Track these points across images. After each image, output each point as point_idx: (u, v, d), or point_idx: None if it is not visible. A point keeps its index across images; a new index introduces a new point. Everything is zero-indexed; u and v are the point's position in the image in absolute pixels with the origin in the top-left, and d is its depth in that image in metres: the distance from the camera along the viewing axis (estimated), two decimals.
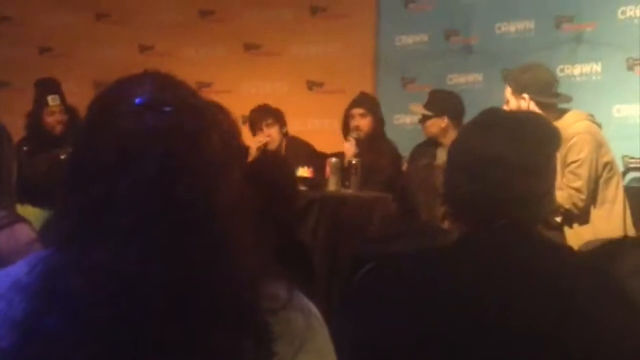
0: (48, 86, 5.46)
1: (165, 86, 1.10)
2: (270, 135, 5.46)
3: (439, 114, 4.94)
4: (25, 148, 4.90)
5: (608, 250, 3.10)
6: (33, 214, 2.53)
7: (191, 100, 1.10)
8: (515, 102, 4.06)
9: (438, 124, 4.96)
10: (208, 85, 6.33)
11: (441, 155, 4.76)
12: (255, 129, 5.49)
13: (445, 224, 4.02)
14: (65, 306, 1.00)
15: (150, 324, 0.98)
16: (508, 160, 1.66)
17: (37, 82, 5.50)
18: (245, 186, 1.11)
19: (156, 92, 1.07)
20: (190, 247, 1.01)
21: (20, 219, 2.26)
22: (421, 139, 5.32)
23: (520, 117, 1.80)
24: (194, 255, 1.01)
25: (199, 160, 1.04)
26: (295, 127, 5.89)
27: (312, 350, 1.09)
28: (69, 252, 1.04)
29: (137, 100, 1.06)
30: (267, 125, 5.47)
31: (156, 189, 1.01)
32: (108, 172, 1.02)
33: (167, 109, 1.06)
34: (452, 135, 4.60)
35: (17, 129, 4.99)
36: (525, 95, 4.04)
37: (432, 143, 5.05)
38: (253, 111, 5.57)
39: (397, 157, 5.44)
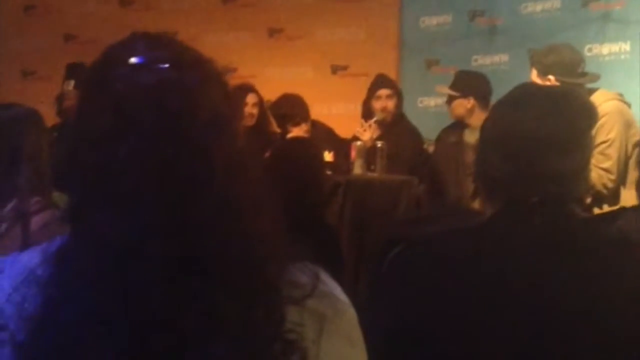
0: (67, 71, 5.47)
1: (158, 44, 1.07)
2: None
3: (465, 94, 4.91)
4: (55, 134, 4.93)
5: (608, 215, 3.10)
6: (63, 200, 2.53)
7: (187, 56, 1.07)
8: (542, 83, 4.02)
9: (464, 105, 4.92)
10: (232, 71, 6.33)
11: (468, 136, 4.74)
12: (282, 126, 5.45)
13: (475, 204, 4.00)
14: (74, 294, 0.98)
15: (155, 299, 0.96)
16: (542, 137, 1.63)
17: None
18: (250, 144, 1.09)
19: (150, 50, 1.05)
20: (191, 209, 0.98)
21: (53, 205, 2.27)
22: (445, 121, 5.30)
23: (554, 93, 1.77)
24: (196, 219, 0.98)
25: (197, 119, 1.02)
26: (319, 112, 5.88)
27: (340, 337, 1.07)
28: (77, 230, 1.03)
29: (131, 60, 1.04)
30: (295, 125, 5.43)
31: (155, 150, 0.99)
32: (106, 138, 1.00)
33: (163, 65, 1.03)
34: (478, 116, 4.57)
35: (45, 117, 5.01)
36: (551, 77, 4.01)
37: (458, 125, 5.02)
38: (278, 108, 5.51)
39: (420, 139, 5.41)
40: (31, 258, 1.07)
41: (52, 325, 0.98)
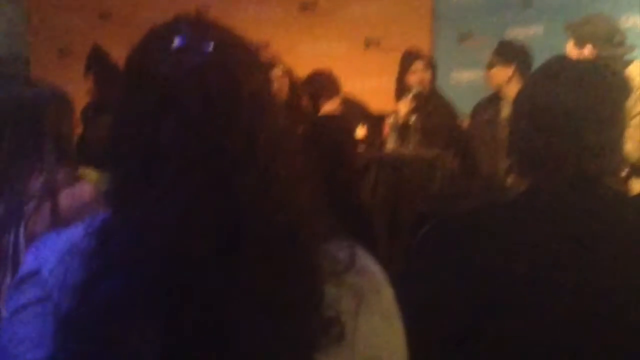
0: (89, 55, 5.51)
1: (202, 26, 1.08)
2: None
3: (506, 61, 4.86)
4: (89, 113, 4.97)
5: None
6: (96, 177, 2.57)
7: (230, 38, 1.08)
8: (578, 55, 3.98)
9: (504, 73, 4.88)
10: (265, 47, 6.31)
11: (504, 109, 4.70)
12: (314, 103, 5.44)
13: (509, 180, 3.98)
14: (118, 268, 1.00)
15: (197, 275, 0.97)
16: (576, 110, 1.61)
17: None
18: (291, 126, 1.09)
19: (194, 33, 1.05)
20: (234, 189, 0.99)
21: (81, 179, 2.30)
22: (478, 95, 5.25)
23: (589, 65, 1.75)
24: (239, 198, 0.99)
25: (241, 99, 1.02)
26: (352, 87, 5.85)
27: (376, 312, 1.08)
28: (120, 209, 1.04)
29: (175, 43, 1.04)
30: (326, 101, 5.41)
31: (198, 131, 1.00)
32: (150, 120, 1.01)
33: (207, 48, 1.04)
34: (515, 87, 4.53)
35: (80, 96, 5.05)
36: (588, 48, 3.96)
37: (493, 99, 4.98)
38: (308, 85, 5.49)
39: (454, 114, 5.37)
40: (75, 232, 1.09)
41: (94, 297, 1.00)
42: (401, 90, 5.31)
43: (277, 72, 5.27)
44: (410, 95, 5.18)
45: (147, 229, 0.99)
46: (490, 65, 4.98)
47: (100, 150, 1.15)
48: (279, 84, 5.24)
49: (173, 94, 1.01)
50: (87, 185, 2.28)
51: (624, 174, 3.84)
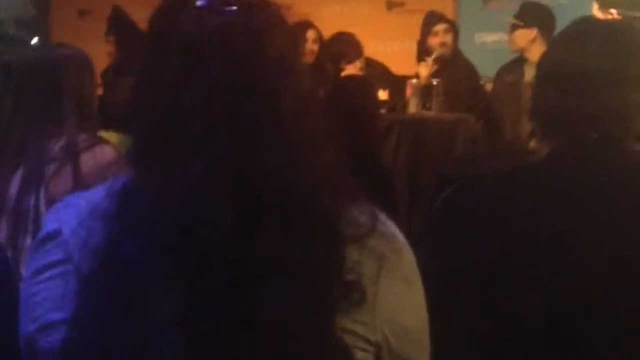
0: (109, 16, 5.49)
1: None
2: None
3: (528, 24, 4.81)
4: (110, 76, 4.97)
5: None
6: (117, 139, 2.57)
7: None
8: (603, 18, 3.93)
9: (527, 35, 4.82)
10: (287, 8, 6.27)
11: (528, 72, 4.66)
12: (335, 64, 5.40)
13: (532, 144, 3.94)
14: (139, 229, 0.99)
15: (217, 238, 0.97)
16: (600, 72, 1.59)
17: None
18: (315, 89, 1.09)
19: None
20: (257, 151, 0.99)
21: (102, 141, 2.30)
22: (502, 57, 5.20)
23: (613, 26, 1.72)
24: (261, 160, 0.99)
25: (265, 60, 1.01)
26: (374, 49, 5.82)
27: (397, 277, 1.08)
28: (141, 172, 1.04)
29: (198, 3, 1.03)
30: (348, 63, 5.37)
31: (221, 92, 0.99)
32: (173, 81, 1.01)
33: (230, 8, 1.03)
34: (539, 49, 4.48)
35: (102, 58, 5.05)
36: (613, 11, 3.92)
37: (518, 63, 4.94)
38: (331, 46, 5.45)
39: (476, 76, 5.33)
40: (96, 194, 1.08)
41: (116, 259, 1.00)
42: (423, 52, 5.26)
43: (311, 34, 5.25)
44: (431, 58, 5.14)
45: (168, 192, 0.99)
46: (513, 28, 4.93)
47: (121, 112, 1.15)
48: (309, 48, 5.22)
49: (196, 55, 1.00)
50: (109, 148, 2.28)
51: None
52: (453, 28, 5.30)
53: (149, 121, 1.03)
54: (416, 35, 5.46)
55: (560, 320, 1.52)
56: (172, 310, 0.96)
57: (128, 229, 1.00)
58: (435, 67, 5.14)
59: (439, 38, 5.19)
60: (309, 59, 5.09)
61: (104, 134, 2.60)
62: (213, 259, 0.97)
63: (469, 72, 5.29)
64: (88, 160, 2.21)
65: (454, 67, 5.18)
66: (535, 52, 4.54)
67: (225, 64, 1.00)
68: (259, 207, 0.98)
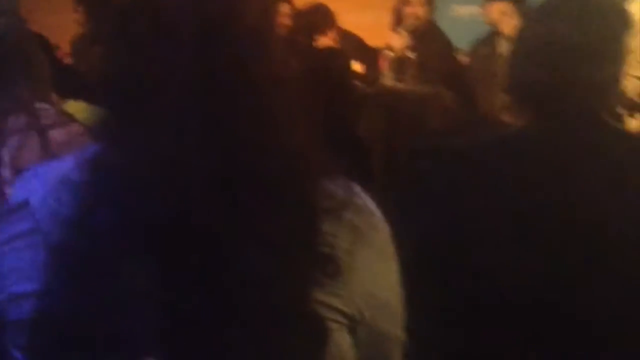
0: None
1: None
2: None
3: None
4: (80, 45, 4.90)
5: None
6: (86, 109, 2.54)
7: None
8: None
9: (500, 8, 4.83)
10: None
11: (502, 45, 4.67)
12: (309, 36, 5.37)
13: (506, 117, 3.96)
14: (111, 199, 0.98)
15: (191, 208, 0.96)
16: (575, 45, 1.60)
17: None
18: (289, 59, 1.07)
19: None
20: (230, 123, 0.98)
21: (72, 120, 2.27)
22: (478, 30, 5.20)
23: (588, 0, 1.72)
24: (234, 130, 0.98)
25: (239, 28, 1.00)
26: (348, 21, 5.78)
27: (373, 250, 1.08)
28: (112, 141, 1.02)
29: None
30: (321, 34, 5.34)
31: (194, 60, 0.98)
32: (144, 48, 0.99)
33: None
34: (513, 22, 4.49)
35: (72, 27, 4.99)
36: None
37: (492, 36, 4.94)
38: (303, 17, 5.42)
39: (451, 48, 5.32)
40: (65, 163, 1.07)
41: (87, 229, 0.99)
42: (397, 23, 5.25)
43: (285, 8, 5.21)
44: (405, 29, 5.12)
45: (140, 160, 0.98)
46: (487, 1, 4.93)
47: (91, 82, 1.13)
48: (282, 22, 5.18)
49: (168, 22, 0.99)
50: (76, 123, 2.25)
51: (622, 110, 3.83)
52: (427, 0, 5.28)
53: (120, 89, 1.02)
54: (389, 5, 5.43)
55: (539, 294, 1.53)
56: (145, 280, 0.96)
57: (99, 199, 0.99)
58: (410, 39, 5.12)
59: (414, 9, 5.17)
60: (282, 32, 5.06)
61: (73, 103, 2.56)
62: (186, 230, 0.96)
63: (444, 44, 5.28)
64: (55, 134, 2.18)
65: (428, 40, 5.17)
66: (510, 25, 4.55)
67: (199, 30, 0.98)
68: (233, 178, 0.97)
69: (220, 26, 0.99)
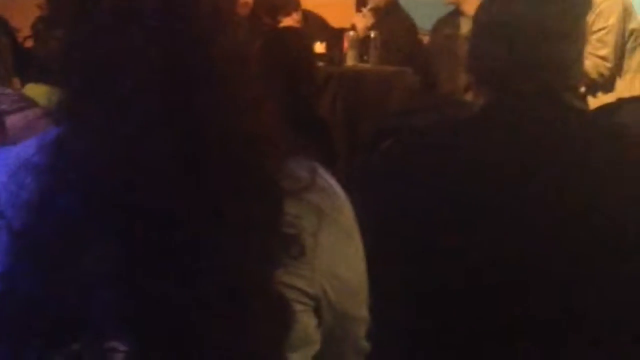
0: None
1: None
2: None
3: None
4: (41, 27, 4.84)
5: (607, 108, 3.12)
6: (46, 92, 2.51)
7: None
8: None
9: None
10: None
11: (464, 25, 4.68)
12: (273, 17, 5.34)
13: (468, 96, 3.97)
14: (74, 182, 0.97)
15: (154, 190, 0.95)
16: (536, 24, 1.60)
17: None
18: (252, 41, 1.07)
19: None
20: (193, 104, 0.97)
21: (32, 105, 2.25)
22: (440, 11, 5.20)
23: None
24: (196, 112, 0.97)
25: (200, 9, 0.99)
26: (311, 1, 5.76)
27: (337, 231, 1.08)
28: (75, 123, 1.02)
29: None
30: (285, 15, 5.31)
31: (156, 42, 0.97)
32: (106, 31, 0.98)
33: None
34: (474, 2, 4.48)
35: (33, 10, 4.93)
36: None
37: (454, 15, 4.95)
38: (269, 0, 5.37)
39: (414, 28, 5.33)
40: (26, 148, 1.06)
41: (50, 213, 0.98)
42: (361, 3, 5.24)
43: None
44: (367, 9, 5.12)
45: (103, 143, 0.97)
46: None
47: (51, 64, 1.11)
48: (244, 1, 5.14)
49: (127, 9, 0.98)
50: (36, 108, 2.22)
51: (583, 89, 3.86)
52: None
53: (82, 72, 1.01)
54: None
55: (494, 270, 1.54)
56: (109, 264, 0.95)
57: (62, 182, 0.98)
58: (373, 19, 5.12)
59: None
60: (244, 11, 5.03)
61: (33, 86, 2.53)
62: (149, 212, 0.96)
63: (407, 24, 5.29)
64: (14, 119, 2.15)
65: (391, 20, 5.17)
66: (471, 5, 4.55)
67: (161, 13, 0.98)
68: (196, 159, 0.97)
69: (182, 7, 0.98)
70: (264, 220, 1.00)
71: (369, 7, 5.13)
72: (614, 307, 1.52)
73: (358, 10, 5.23)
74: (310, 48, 3.75)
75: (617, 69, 3.91)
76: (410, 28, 5.29)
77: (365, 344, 1.20)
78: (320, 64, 4.66)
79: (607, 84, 3.91)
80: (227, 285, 0.97)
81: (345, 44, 5.01)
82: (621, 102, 3.46)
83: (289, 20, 5.26)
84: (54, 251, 0.97)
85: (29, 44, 4.75)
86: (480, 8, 1.74)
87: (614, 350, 1.53)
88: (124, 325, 0.96)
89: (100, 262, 0.95)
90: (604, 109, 3.52)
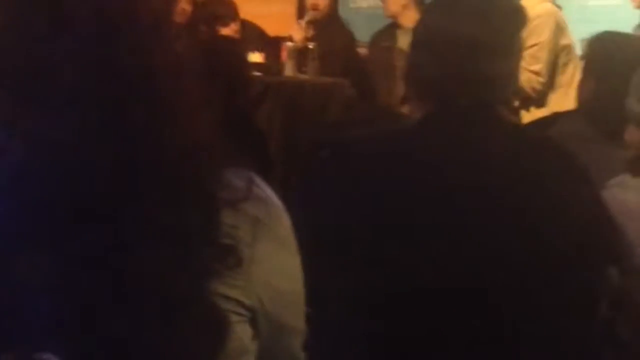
0: None
1: None
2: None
3: None
4: None
5: (541, 121, 3.19)
6: None
7: None
8: None
9: (399, 1, 4.88)
10: None
11: (401, 38, 4.72)
12: (210, 27, 5.31)
13: (405, 109, 4.01)
14: (7, 190, 0.96)
15: (87, 200, 0.94)
16: (473, 39, 1.63)
17: None
18: (189, 51, 1.07)
19: None
20: (128, 113, 0.97)
21: None
22: (377, 23, 5.25)
23: None
24: (132, 121, 0.97)
25: (136, 18, 0.99)
26: (250, 11, 5.76)
27: (273, 241, 1.08)
28: (9, 129, 1.00)
29: None
30: (223, 25, 5.29)
31: (91, 50, 0.96)
32: (41, 38, 0.97)
33: None
34: (412, 15, 4.54)
35: None
36: None
37: (392, 28, 4.99)
38: (205, 8, 5.35)
39: (353, 40, 5.36)
40: None
41: None
42: (302, 14, 5.26)
43: None
44: (304, 21, 5.13)
45: (36, 151, 0.95)
46: None
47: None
48: (184, 5, 5.11)
49: (67, 11, 0.97)
50: None
51: (516, 103, 3.93)
52: None
53: (17, 77, 0.99)
54: None
55: (434, 276, 1.56)
56: (40, 275, 0.93)
57: None
58: (311, 30, 5.13)
59: (316, 0, 5.18)
60: (181, 19, 4.99)
61: None
62: (82, 222, 0.94)
63: (346, 36, 5.32)
64: None
65: (330, 31, 5.19)
66: (408, 18, 4.61)
67: (96, 21, 0.97)
68: (131, 167, 0.96)
69: (117, 17, 0.97)
70: (199, 230, 0.99)
71: (307, 18, 5.14)
72: (553, 317, 1.55)
73: (298, 21, 5.24)
74: (242, 58, 3.74)
75: (550, 84, 3.99)
76: (349, 40, 5.33)
77: (302, 355, 1.20)
78: (258, 74, 4.66)
79: (539, 99, 3.99)
80: (160, 296, 0.96)
81: (283, 55, 5.01)
82: (556, 115, 3.53)
83: (227, 31, 5.25)
84: None
85: None
86: (419, 22, 1.77)
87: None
88: (56, 335, 0.95)
89: (32, 273, 0.94)
90: (538, 122, 3.59)
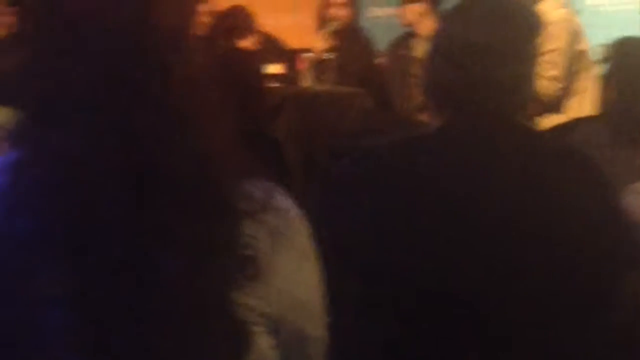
0: None
1: None
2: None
3: None
4: (3, 47, 4.78)
5: (561, 127, 3.18)
6: (8, 114, 2.47)
7: None
8: None
9: (416, 10, 4.89)
10: None
11: (418, 47, 4.72)
12: (228, 39, 5.33)
13: (423, 117, 4.00)
14: (29, 204, 0.97)
15: (107, 212, 0.95)
16: (491, 47, 1.63)
17: None
18: (206, 62, 1.07)
19: None
20: (147, 125, 0.97)
21: None
22: (394, 32, 5.25)
23: (499, 1, 1.76)
24: (151, 134, 0.97)
25: (152, 30, 1.00)
26: (268, 23, 5.77)
27: (293, 251, 1.08)
28: (31, 145, 1.01)
29: None
30: (240, 38, 5.31)
31: (107, 64, 0.97)
32: (58, 51, 0.98)
33: None
34: (428, 23, 4.55)
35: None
36: None
37: (408, 36, 5.00)
38: (222, 21, 5.38)
39: (372, 50, 5.37)
40: None
41: (7, 235, 0.97)
42: (321, 25, 5.27)
43: (204, 7, 5.16)
44: (327, 32, 5.15)
45: (56, 165, 0.97)
46: (402, 3, 4.99)
47: (9, 86, 1.11)
48: (201, 20, 5.13)
49: (82, 25, 0.98)
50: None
51: (533, 110, 3.91)
52: (350, 2, 5.31)
53: (36, 94, 1.00)
54: (308, 8, 5.44)
55: (456, 288, 1.55)
56: (61, 286, 0.94)
57: (18, 205, 0.98)
58: (331, 40, 5.15)
59: (334, 10, 5.20)
60: (200, 31, 5.02)
61: None
62: (102, 234, 0.95)
63: (365, 46, 5.32)
64: None
65: (351, 41, 5.20)
66: (425, 27, 4.61)
67: (111, 34, 0.98)
68: (150, 180, 0.97)
69: (133, 29, 0.98)
70: (219, 241, 1.00)
71: (329, 29, 5.15)
72: (571, 323, 1.55)
73: (318, 32, 5.25)
74: (257, 69, 3.75)
75: (567, 90, 3.97)
76: (368, 50, 5.33)
77: None
78: (278, 85, 4.67)
79: (555, 105, 3.97)
80: (182, 307, 0.97)
81: (300, 65, 5.02)
82: (576, 121, 3.52)
83: (245, 43, 5.27)
84: (10, 273, 0.96)
85: None
86: (437, 31, 1.77)
87: None
88: (75, 348, 0.96)
89: (53, 283, 0.95)
90: (558, 128, 3.57)
